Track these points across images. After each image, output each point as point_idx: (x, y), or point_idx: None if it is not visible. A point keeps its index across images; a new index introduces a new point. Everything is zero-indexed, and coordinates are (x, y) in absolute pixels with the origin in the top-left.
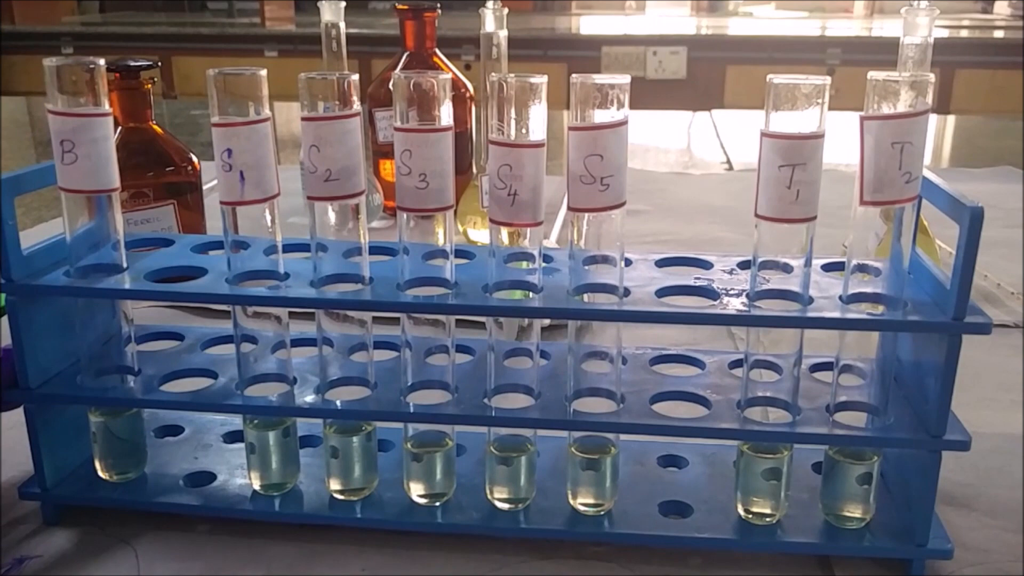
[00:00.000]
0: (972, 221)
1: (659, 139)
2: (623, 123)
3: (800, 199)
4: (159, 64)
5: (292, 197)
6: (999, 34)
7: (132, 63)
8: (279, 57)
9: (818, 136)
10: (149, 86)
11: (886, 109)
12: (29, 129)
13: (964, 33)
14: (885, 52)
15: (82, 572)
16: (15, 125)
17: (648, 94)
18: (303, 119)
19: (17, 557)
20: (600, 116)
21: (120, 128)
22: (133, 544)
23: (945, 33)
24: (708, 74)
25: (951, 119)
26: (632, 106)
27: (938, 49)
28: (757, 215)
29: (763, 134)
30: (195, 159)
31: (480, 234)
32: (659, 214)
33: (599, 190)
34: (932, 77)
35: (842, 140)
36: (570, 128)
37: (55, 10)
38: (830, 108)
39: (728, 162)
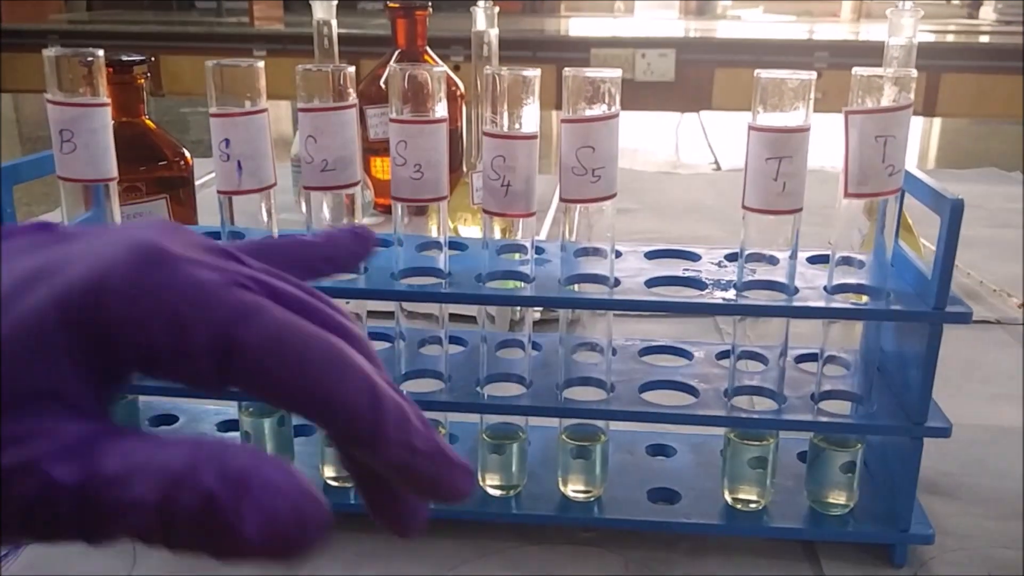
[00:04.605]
0: (953, 213)
1: (647, 140)
2: (615, 116)
3: (786, 191)
4: (152, 59)
5: (282, 194)
6: (984, 39)
7: (125, 57)
8: (268, 56)
9: (804, 129)
10: (142, 81)
11: (870, 104)
12: (16, 126)
13: (950, 38)
14: (872, 56)
15: (78, 557)
16: (3, 122)
17: (636, 96)
18: (300, 110)
19: (13, 543)
20: (591, 110)
21: (112, 122)
22: None
23: (931, 37)
24: (696, 76)
25: (937, 122)
26: (620, 107)
27: (924, 53)
28: (744, 207)
29: (751, 127)
30: (187, 154)
31: (470, 231)
32: (647, 212)
33: (591, 181)
34: (915, 72)
35: (828, 141)
36: (563, 120)
37: (42, 8)
38: (817, 110)
39: (716, 162)
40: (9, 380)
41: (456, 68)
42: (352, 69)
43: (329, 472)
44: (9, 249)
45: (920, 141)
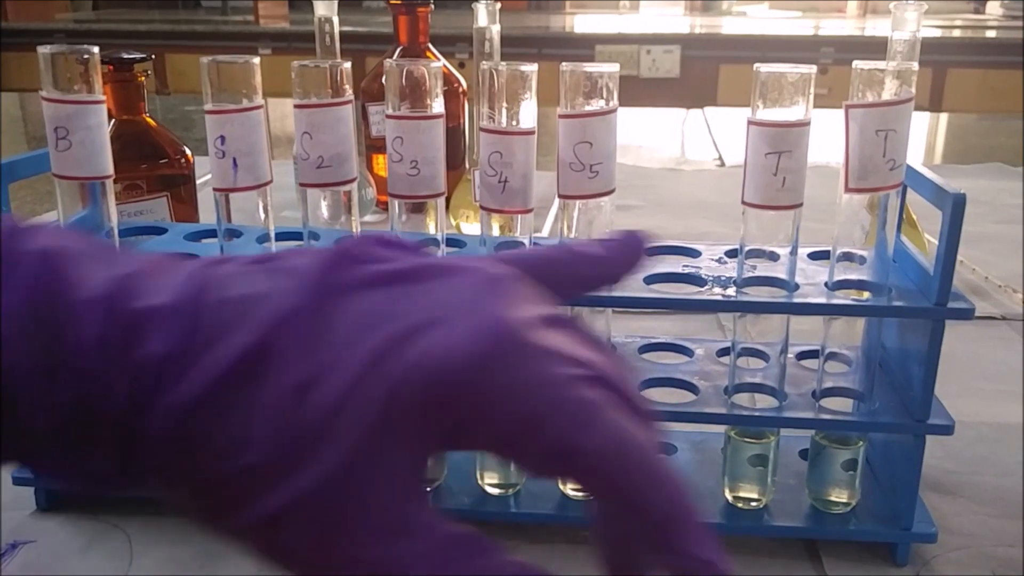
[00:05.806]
0: (954, 207)
1: (652, 136)
2: (612, 111)
3: (786, 186)
4: (153, 57)
5: (285, 192)
6: (991, 34)
7: (125, 55)
8: (273, 55)
9: (804, 124)
10: (142, 79)
11: (871, 98)
12: (22, 124)
13: (957, 33)
14: (878, 51)
15: (75, 557)
16: (9, 120)
17: (641, 92)
18: (296, 106)
19: (11, 542)
20: (589, 105)
21: (113, 120)
22: (125, 529)
23: (938, 33)
24: (701, 73)
25: (943, 117)
26: (625, 104)
27: (931, 48)
28: (744, 202)
29: (750, 122)
30: (188, 152)
31: (473, 228)
32: (651, 209)
33: (588, 177)
34: (916, 66)
35: (834, 138)
36: (560, 115)
37: (48, 7)
38: (822, 106)
39: (720, 159)
40: (365, 462)
41: (461, 66)
42: (348, 65)
43: None
44: (357, 279)
45: (926, 136)
